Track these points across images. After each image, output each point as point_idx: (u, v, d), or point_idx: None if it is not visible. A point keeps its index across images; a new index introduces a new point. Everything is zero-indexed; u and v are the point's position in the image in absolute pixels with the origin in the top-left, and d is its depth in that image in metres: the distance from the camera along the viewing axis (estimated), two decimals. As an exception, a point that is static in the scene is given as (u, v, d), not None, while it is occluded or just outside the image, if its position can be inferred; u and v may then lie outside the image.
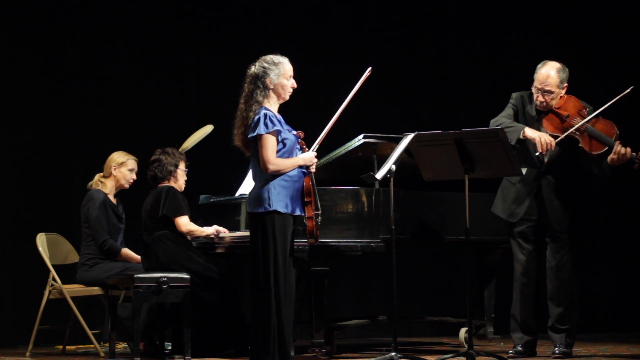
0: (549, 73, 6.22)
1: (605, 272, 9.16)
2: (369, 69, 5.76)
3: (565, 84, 6.27)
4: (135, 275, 6.27)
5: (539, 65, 6.29)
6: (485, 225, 6.77)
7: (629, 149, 6.09)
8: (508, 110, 6.33)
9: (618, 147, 6.07)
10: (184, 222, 6.52)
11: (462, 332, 7.16)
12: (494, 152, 5.79)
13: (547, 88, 6.22)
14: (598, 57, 9.09)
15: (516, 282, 6.39)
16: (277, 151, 5.50)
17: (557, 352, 6.26)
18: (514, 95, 6.40)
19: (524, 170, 6.16)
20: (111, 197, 7.16)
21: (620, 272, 9.15)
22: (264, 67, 5.56)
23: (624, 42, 9.14)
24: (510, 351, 6.35)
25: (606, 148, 6.12)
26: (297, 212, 5.55)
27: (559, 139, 6.16)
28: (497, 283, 7.25)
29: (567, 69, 6.28)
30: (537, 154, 6.11)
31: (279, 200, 5.46)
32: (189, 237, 6.61)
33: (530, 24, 9.23)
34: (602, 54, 9.12)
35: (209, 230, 6.63)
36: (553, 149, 6.13)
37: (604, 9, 9.16)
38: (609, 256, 9.19)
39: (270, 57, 5.61)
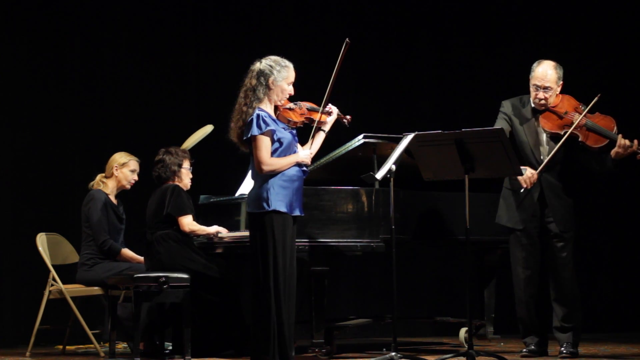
0: (547, 70, 6.27)
1: (605, 272, 9.15)
2: (347, 40, 5.72)
3: (561, 82, 6.32)
4: (135, 275, 6.27)
5: (535, 64, 6.33)
6: (485, 225, 6.76)
7: (635, 141, 6.11)
8: (503, 123, 6.32)
9: (622, 140, 6.10)
10: (187, 222, 6.52)
11: (462, 332, 7.16)
12: (494, 152, 5.79)
13: (546, 85, 6.26)
14: (598, 58, 9.09)
15: (519, 284, 6.36)
16: (275, 150, 5.50)
17: (564, 351, 6.25)
18: (503, 103, 6.43)
19: (524, 171, 6.16)
20: (112, 198, 7.16)
21: (620, 272, 9.14)
22: (271, 66, 5.53)
23: (623, 43, 9.15)
24: (524, 350, 6.34)
25: (607, 141, 6.17)
26: (297, 212, 5.55)
27: (564, 138, 6.18)
28: (497, 283, 7.25)
29: (562, 67, 6.34)
30: (521, 190, 6.19)
31: (278, 200, 5.46)
32: (193, 236, 6.62)
33: (530, 24, 9.22)
34: (601, 54, 9.12)
35: (211, 229, 6.63)
36: (536, 180, 6.17)
37: (604, 9, 9.16)
38: (609, 256, 9.18)
39: (279, 58, 5.58)
